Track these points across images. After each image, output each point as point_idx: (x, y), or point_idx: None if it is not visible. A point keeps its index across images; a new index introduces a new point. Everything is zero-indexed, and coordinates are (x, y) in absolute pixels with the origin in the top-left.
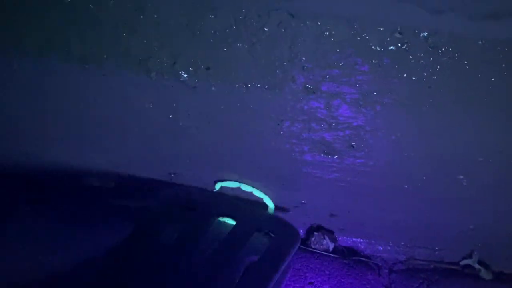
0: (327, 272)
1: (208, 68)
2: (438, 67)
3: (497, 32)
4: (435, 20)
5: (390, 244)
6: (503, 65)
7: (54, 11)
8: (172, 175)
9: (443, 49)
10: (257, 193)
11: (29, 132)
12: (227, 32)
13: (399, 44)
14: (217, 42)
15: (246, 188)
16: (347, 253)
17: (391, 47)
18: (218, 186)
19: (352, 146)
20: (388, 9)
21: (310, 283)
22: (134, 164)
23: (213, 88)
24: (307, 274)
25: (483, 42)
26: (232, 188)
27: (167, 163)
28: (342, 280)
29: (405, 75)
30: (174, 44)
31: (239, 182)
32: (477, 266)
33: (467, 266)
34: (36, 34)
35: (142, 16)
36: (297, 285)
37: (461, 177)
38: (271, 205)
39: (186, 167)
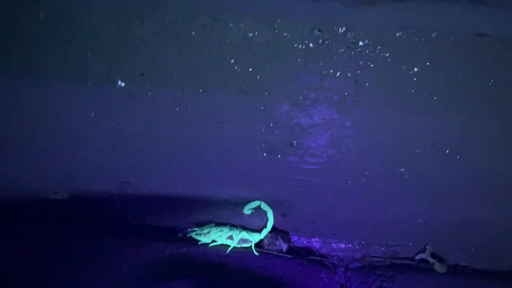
0: (280, 272)
1: (142, 74)
2: (361, 61)
3: (375, 17)
4: (315, 8)
5: (345, 242)
6: (424, 56)
7: None
8: (123, 184)
9: (363, 44)
10: (264, 206)
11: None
12: (155, 37)
13: (320, 41)
14: (147, 48)
15: (264, 206)
16: (302, 253)
17: (313, 45)
18: (246, 210)
19: (292, 144)
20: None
21: None
22: (85, 174)
23: (149, 94)
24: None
25: (400, 34)
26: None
27: (116, 172)
28: (296, 278)
29: (330, 71)
30: (107, 52)
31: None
32: (431, 259)
33: (423, 260)
34: None
35: (74, 27)
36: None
37: (402, 169)
38: (271, 219)
39: (136, 176)
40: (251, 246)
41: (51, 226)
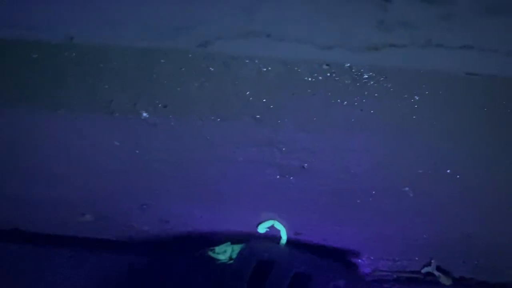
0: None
1: (165, 106)
2: (366, 91)
3: (379, 61)
4: (327, 54)
5: (355, 257)
6: (423, 85)
7: (24, 66)
8: (144, 206)
9: (368, 76)
10: (278, 225)
11: (11, 177)
12: (178, 73)
13: (328, 74)
14: (170, 82)
15: (278, 225)
16: None
17: (321, 77)
18: (261, 229)
19: (303, 167)
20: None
21: None
22: (109, 198)
23: (172, 123)
24: None
25: (400, 69)
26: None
27: (138, 195)
28: None
29: (338, 100)
30: (133, 87)
31: (273, 220)
32: (436, 273)
33: (428, 273)
34: (10, 88)
35: (102, 65)
36: None
37: (407, 189)
38: (284, 237)
39: (156, 199)
40: None
41: (76, 247)
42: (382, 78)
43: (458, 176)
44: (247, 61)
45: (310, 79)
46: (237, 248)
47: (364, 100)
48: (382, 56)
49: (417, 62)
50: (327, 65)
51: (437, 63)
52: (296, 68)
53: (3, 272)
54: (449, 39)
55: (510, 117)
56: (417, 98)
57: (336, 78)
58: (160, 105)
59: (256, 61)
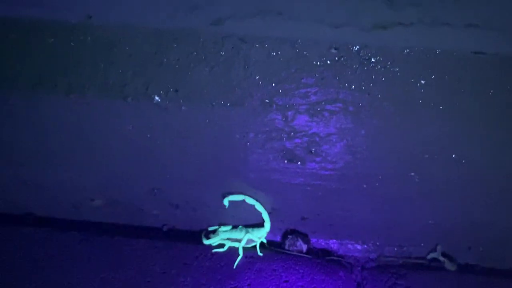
0: (301, 271)
1: (176, 91)
2: (373, 76)
3: (387, 40)
4: (336, 33)
5: (361, 243)
6: (429, 69)
7: (40, 52)
8: (156, 191)
9: (375, 60)
10: (259, 207)
11: (25, 161)
12: (189, 58)
13: (336, 58)
14: (182, 67)
15: (250, 201)
16: (321, 254)
17: (330, 61)
18: (226, 201)
19: (311, 151)
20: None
21: (286, 281)
22: (120, 182)
23: (183, 108)
24: (282, 274)
25: (408, 50)
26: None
27: (149, 180)
28: (315, 277)
29: (346, 84)
30: (145, 71)
31: (244, 195)
32: (441, 258)
33: (434, 259)
34: (27, 72)
35: (115, 50)
36: (273, 284)
37: (413, 174)
38: (267, 219)
39: (167, 183)
40: (255, 245)
41: (87, 231)
42: (389, 62)
43: (463, 161)
44: (257, 45)
45: (318, 63)
46: (226, 231)
47: (371, 85)
48: (390, 35)
49: (424, 41)
50: (335, 49)
51: (443, 42)
52: (305, 53)
53: (15, 255)
54: (455, 17)
55: None
56: (423, 82)
57: (344, 63)
58: (171, 90)
59: (266, 45)
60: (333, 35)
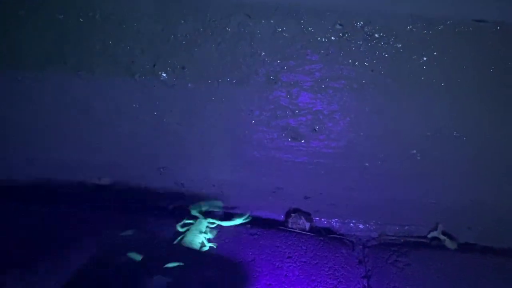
0: (304, 248)
1: (183, 68)
2: (377, 52)
3: (390, 6)
4: (342, 1)
5: (363, 222)
6: (431, 46)
7: (49, 29)
8: (162, 170)
9: (379, 36)
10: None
11: (32, 138)
12: (196, 34)
13: (341, 34)
14: (189, 44)
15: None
16: (323, 233)
17: (334, 38)
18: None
19: (315, 129)
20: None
21: (289, 257)
22: (126, 161)
23: (189, 85)
24: (285, 250)
25: (411, 27)
26: None
27: (155, 158)
28: (318, 253)
29: (350, 61)
30: (152, 48)
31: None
32: (442, 237)
33: (434, 238)
34: (36, 49)
35: (124, 26)
36: (277, 259)
37: (414, 151)
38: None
39: (173, 161)
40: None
41: (93, 209)
42: (392, 39)
43: (464, 139)
44: (263, 21)
45: (323, 39)
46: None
47: (374, 61)
48: (394, 2)
49: (427, 8)
50: (340, 24)
51: (445, 9)
52: (310, 29)
53: (22, 231)
54: None
55: None
56: (425, 59)
57: (349, 39)
58: (178, 67)
59: (272, 21)
60: (337, 5)
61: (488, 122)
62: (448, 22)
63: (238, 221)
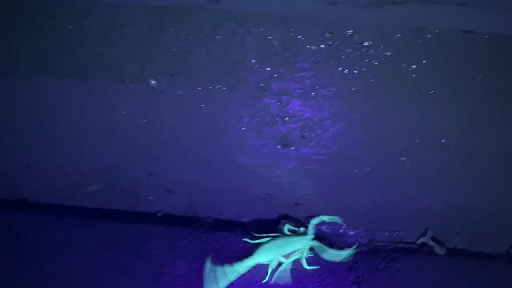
0: None
1: (173, 75)
2: (366, 60)
3: (380, 17)
4: (332, 10)
5: (352, 228)
6: (420, 54)
7: (40, 35)
8: (151, 176)
9: (368, 44)
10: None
11: (20, 145)
12: (186, 41)
13: (330, 43)
14: (178, 50)
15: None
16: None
17: (323, 46)
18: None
19: (304, 136)
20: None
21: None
22: (116, 168)
23: (179, 92)
24: None
25: (400, 35)
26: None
27: (145, 164)
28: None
29: (339, 69)
30: (143, 55)
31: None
32: (431, 243)
33: (424, 244)
34: (29, 56)
35: (114, 33)
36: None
37: (404, 158)
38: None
39: (163, 168)
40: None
41: (82, 216)
42: (381, 47)
43: (452, 146)
44: (252, 29)
45: (313, 47)
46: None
47: (364, 69)
48: (383, 13)
49: (416, 19)
50: (329, 33)
51: (435, 21)
52: (299, 37)
53: (11, 241)
54: None
55: (506, 82)
56: (414, 67)
57: (338, 47)
58: (168, 74)
59: (262, 28)
60: (327, 11)
61: (475, 129)
62: (437, 31)
63: (344, 254)
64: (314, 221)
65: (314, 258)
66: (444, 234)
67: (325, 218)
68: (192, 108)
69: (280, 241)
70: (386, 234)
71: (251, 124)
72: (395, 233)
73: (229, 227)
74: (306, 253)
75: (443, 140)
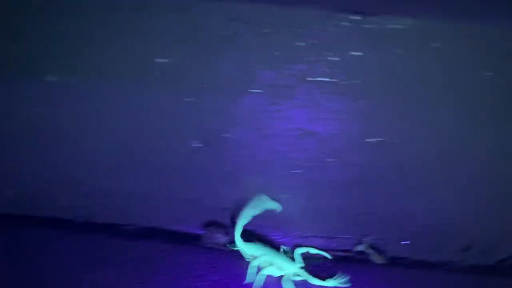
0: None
1: (81, 71)
2: None
3: None
4: None
5: (282, 235)
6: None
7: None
8: (69, 180)
9: None
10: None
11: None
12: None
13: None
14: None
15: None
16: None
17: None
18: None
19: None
20: None
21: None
22: (31, 172)
23: (90, 89)
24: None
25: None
26: None
27: (62, 169)
28: (232, 271)
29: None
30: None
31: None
32: (368, 251)
33: (361, 252)
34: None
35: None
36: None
37: (332, 160)
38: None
39: (80, 172)
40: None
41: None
42: None
43: (392, 146)
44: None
45: None
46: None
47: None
48: None
49: None
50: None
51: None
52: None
53: None
54: None
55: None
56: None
57: None
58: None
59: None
60: None
61: (417, 130)
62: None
63: (333, 283)
64: (300, 251)
65: None
66: (384, 242)
67: (312, 251)
68: (108, 108)
69: (271, 250)
70: (323, 241)
71: (160, 121)
72: (332, 240)
73: (151, 235)
74: (293, 277)
75: (381, 139)
